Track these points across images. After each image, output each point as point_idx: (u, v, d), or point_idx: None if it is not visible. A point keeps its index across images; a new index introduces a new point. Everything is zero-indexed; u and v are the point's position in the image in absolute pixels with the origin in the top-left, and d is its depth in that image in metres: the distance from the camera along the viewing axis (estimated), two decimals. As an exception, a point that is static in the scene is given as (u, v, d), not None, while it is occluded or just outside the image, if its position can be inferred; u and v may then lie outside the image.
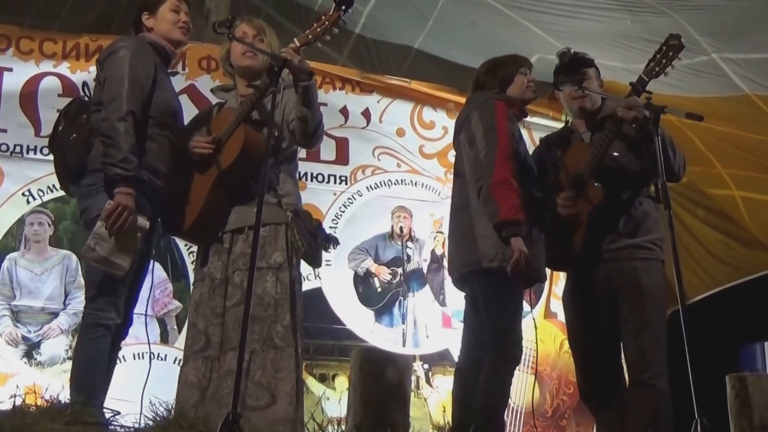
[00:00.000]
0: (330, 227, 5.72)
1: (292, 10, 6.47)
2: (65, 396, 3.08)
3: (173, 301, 5.27)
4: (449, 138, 5.81)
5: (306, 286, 4.19)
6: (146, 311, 3.43)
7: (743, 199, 5.98)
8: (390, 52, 6.39)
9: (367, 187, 5.93)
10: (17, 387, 4.15)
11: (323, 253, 3.49)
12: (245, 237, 3.28)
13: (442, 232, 5.81)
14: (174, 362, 4.97)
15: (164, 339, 5.20)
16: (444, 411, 5.24)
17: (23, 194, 5.15)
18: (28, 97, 5.27)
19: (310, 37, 3.31)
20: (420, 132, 6.17)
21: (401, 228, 5.89)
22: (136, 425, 3.03)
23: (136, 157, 3.11)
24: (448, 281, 5.57)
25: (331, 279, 5.62)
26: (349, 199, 5.87)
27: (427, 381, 5.72)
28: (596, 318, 3.62)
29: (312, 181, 5.75)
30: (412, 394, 4.80)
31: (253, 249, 2.86)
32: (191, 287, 3.82)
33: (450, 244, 3.77)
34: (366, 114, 6.05)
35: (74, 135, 3.28)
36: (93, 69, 5.03)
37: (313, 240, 3.38)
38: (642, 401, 3.44)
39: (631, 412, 3.49)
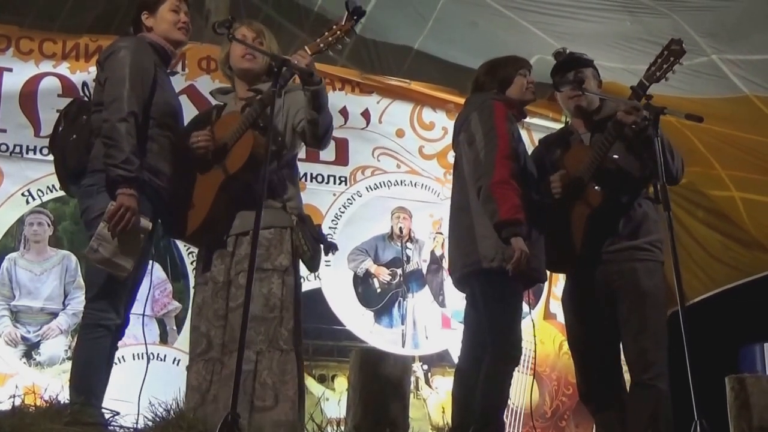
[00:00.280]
0: (330, 228, 5.72)
1: (292, 11, 6.48)
2: (64, 396, 3.07)
3: (172, 302, 5.27)
4: (449, 139, 5.80)
5: (305, 286, 4.19)
6: (144, 311, 3.41)
7: (743, 200, 5.98)
8: (390, 53, 6.39)
9: (366, 188, 5.93)
10: (16, 387, 4.14)
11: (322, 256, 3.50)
12: (250, 239, 3.27)
13: (441, 233, 5.81)
14: (173, 363, 4.97)
15: (163, 339, 5.20)
16: (443, 412, 5.24)
17: (23, 194, 5.15)
18: (28, 97, 5.27)
19: (321, 45, 3.30)
20: (420, 133, 6.17)
21: (401, 229, 5.89)
22: (136, 426, 3.03)
23: (137, 157, 3.11)
24: (447, 282, 5.58)
25: (331, 279, 5.62)
26: (348, 199, 5.87)
27: (427, 382, 5.72)
28: (596, 319, 3.62)
29: (311, 181, 5.76)
30: (412, 395, 4.81)
31: (252, 250, 2.86)
32: (191, 288, 3.82)
33: (450, 244, 3.77)
34: (366, 115, 6.06)
35: (74, 136, 3.27)
36: (93, 69, 5.03)
37: (317, 245, 3.39)
38: (642, 402, 3.44)
39: (631, 413, 3.49)
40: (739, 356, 7.56)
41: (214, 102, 3.73)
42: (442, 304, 5.85)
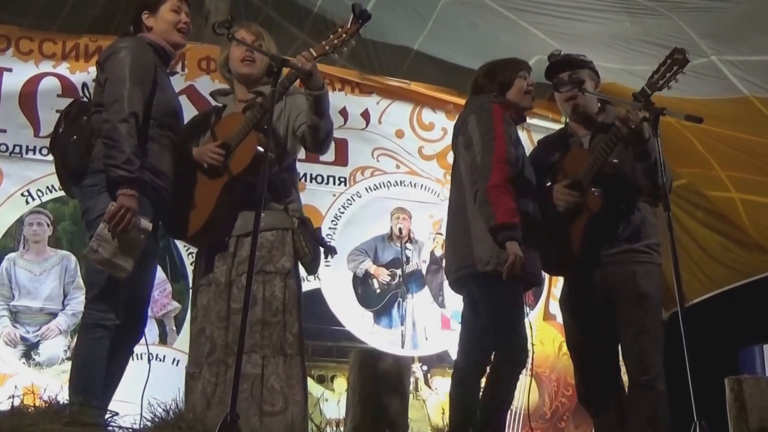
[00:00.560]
0: (329, 228, 5.72)
1: (292, 11, 6.48)
2: (64, 397, 3.08)
3: (172, 302, 5.27)
4: (448, 139, 5.80)
5: (305, 287, 4.17)
6: (146, 312, 3.41)
7: (742, 202, 5.99)
8: (389, 54, 6.40)
9: (366, 189, 5.93)
10: (16, 387, 4.14)
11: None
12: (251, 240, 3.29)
13: (441, 234, 5.81)
14: (173, 363, 4.97)
15: (163, 340, 5.20)
16: (443, 412, 5.24)
17: (22, 194, 5.16)
18: (28, 97, 5.28)
19: (327, 48, 3.30)
20: (419, 133, 6.18)
21: (400, 229, 5.89)
22: (135, 426, 3.03)
23: (138, 158, 3.11)
24: (446, 283, 5.58)
25: (330, 280, 5.62)
26: (348, 200, 5.87)
27: (426, 382, 5.72)
28: (594, 321, 3.61)
29: (311, 182, 5.76)
30: (411, 396, 4.81)
31: (252, 251, 2.86)
32: (190, 289, 3.82)
33: (447, 246, 3.77)
34: (365, 115, 6.06)
35: (75, 136, 3.27)
36: (92, 69, 5.04)
37: (317, 248, 3.40)
38: (641, 403, 3.44)
39: (630, 415, 3.49)
40: (738, 358, 7.57)
41: (213, 103, 3.73)
42: (441, 305, 5.85)
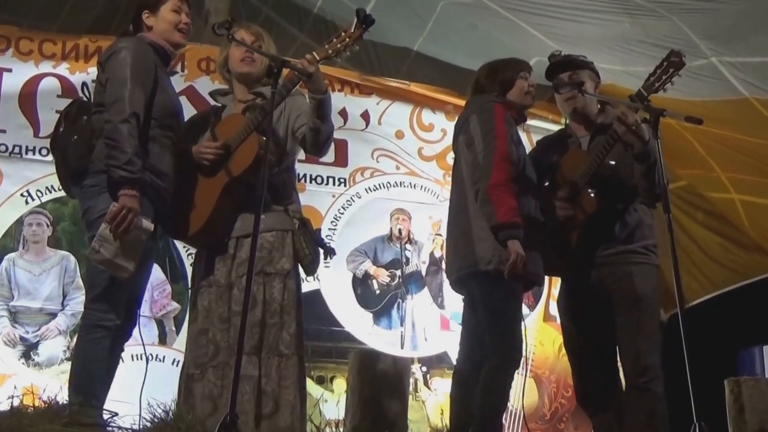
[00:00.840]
0: (329, 229, 5.73)
1: (291, 12, 6.49)
2: (63, 397, 3.08)
3: (171, 303, 5.27)
4: (448, 140, 5.81)
5: (304, 288, 4.17)
6: (138, 312, 3.41)
7: (742, 203, 5.99)
8: (389, 55, 6.40)
9: (365, 189, 5.94)
10: (15, 388, 4.14)
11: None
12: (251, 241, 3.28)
13: (440, 235, 5.81)
14: (172, 363, 4.97)
15: (162, 340, 5.20)
16: (442, 413, 5.23)
17: (22, 195, 5.15)
18: (28, 97, 5.28)
19: (330, 51, 3.30)
20: (419, 134, 6.18)
21: (400, 230, 5.89)
22: (134, 426, 3.03)
23: (140, 158, 3.11)
24: (446, 284, 5.56)
25: (330, 281, 5.62)
26: (347, 201, 5.87)
27: (425, 383, 5.72)
28: (592, 322, 3.62)
29: (311, 182, 5.76)
30: (410, 397, 4.81)
31: (252, 252, 2.86)
32: (190, 290, 3.81)
33: (447, 246, 3.77)
34: (365, 116, 6.06)
35: (75, 136, 3.26)
36: (92, 70, 5.04)
37: (317, 249, 3.40)
38: (639, 404, 3.45)
39: (628, 416, 3.49)
40: (738, 359, 7.56)
41: (213, 103, 3.73)
42: (441, 306, 5.85)
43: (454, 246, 3.65)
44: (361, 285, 5.78)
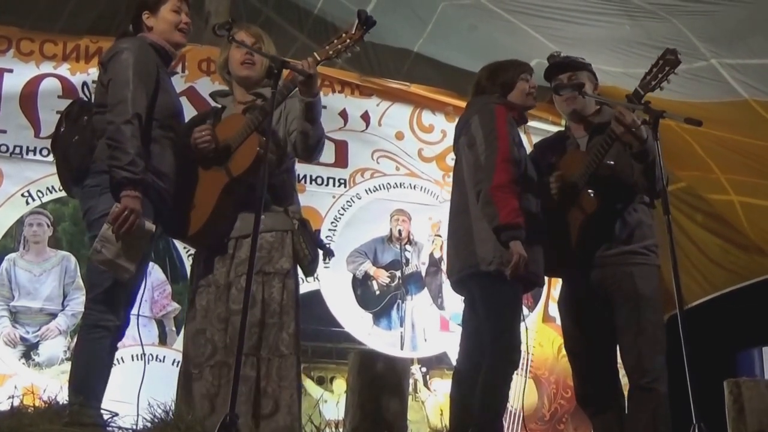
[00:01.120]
0: (329, 230, 5.73)
1: (292, 13, 6.50)
2: (63, 397, 3.08)
3: (172, 303, 5.28)
4: (448, 141, 5.82)
5: (305, 288, 4.19)
6: (138, 312, 3.42)
7: (742, 204, 6.00)
8: (389, 56, 6.40)
9: (366, 190, 5.94)
10: (15, 388, 4.14)
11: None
12: (250, 241, 3.28)
13: (440, 236, 5.81)
14: (172, 364, 4.97)
15: (162, 340, 5.21)
16: (441, 414, 5.24)
17: (22, 195, 5.16)
18: (28, 98, 5.28)
19: (331, 53, 3.30)
20: (419, 135, 6.18)
21: (400, 231, 5.90)
22: (134, 427, 3.03)
23: (142, 159, 3.11)
24: (446, 284, 5.59)
25: (330, 281, 5.63)
26: (348, 201, 5.87)
27: (425, 384, 5.72)
28: (592, 323, 3.62)
29: (311, 183, 5.77)
30: (410, 397, 4.81)
31: (252, 253, 2.86)
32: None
33: (449, 247, 3.78)
34: (365, 117, 6.07)
35: (76, 137, 3.26)
36: (93, 71, 5.05)
37: (316, 250, 3.40)
38: (642, 405, 3.45)
39: (630, 417, 3.50)
40: (737, 360, 7.58)
41: (213, 104, 3.73)
42: (440, 307, 5.85)
43: (455, 247, 3.66)
44: (361, 286, 5.79)
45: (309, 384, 5.40)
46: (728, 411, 4.42)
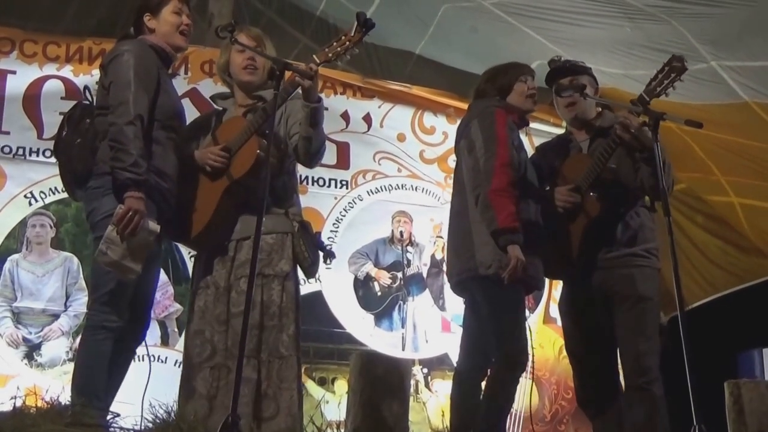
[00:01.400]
0: (331, 231, 5.75)
1: (294, 15, 6.51)
2: (65, 398, 3.09)
3: (174, 304, 5.29)
4: (449, 143, 5.84)
5: (306, 289, 4.19)
6: (150, 314, 3.43)
7: (742, 206, 6.00)
8: (391, 58, 6.42)
9: (367, 192, 5.95)
10: (18, 388, 4.16)
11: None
12: (251, 243, 3.25)
13: (441, 237, 5.82)
14: (174, 365, 4.98)
15: (165, 341, 5.22)
16: (443, 415, 5.25)
17: (25, 196, 5.17)
18: (31, 99, 5.30)
19: (330, 55, 3.30)
20: (420, 137, 6.19)
21: (401, 232, 5.91)
22: (136, 427, 3.04)
23: (145, 160, 3.13)
24: (447, 286, 5.59)
25: (332, 283, 5.63)
26: (349, 203, 5.88)
27: (426, 385, 5.73)
28: (593, 325, 3.64)
29: (313, 185, 5.78)
30: (411, 398, 4.82)
31: (253, 255, 2.87)
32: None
33: (449, 249, 3.79)
34: (367, 119, 6.08)
35: (79, 140, 3.28)
36: (96, 72, 5.06)
37: (317, 252, 3.41)
38: (639, 406, 3.46)
39: (627, 417, 3.51)
40: (737, 362, 7.57)
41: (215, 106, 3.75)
42: (442, 308, 5.86)
43: (455, 249, 3.67)
44: (362, 287, 5.80)
45: (310, 385, 5.41)
46: (728, 412, 4.43)
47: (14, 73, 5.33)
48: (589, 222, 3.60)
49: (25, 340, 4.99)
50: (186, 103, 4.65)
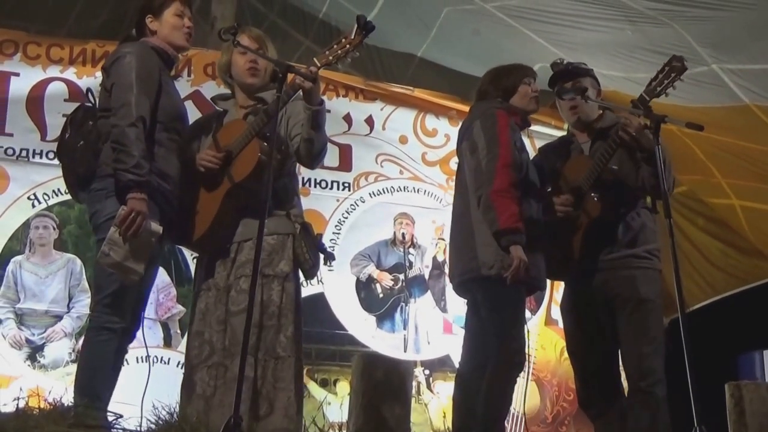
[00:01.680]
0: (333, 233, 5.75)
1: (297, 18, 6.52)
2: (68, 399, 3.10)
3: (176, 305, 5.30)
4: (451, 145, 5.84)
5: (308, 291, 4.19)
6: (143, 315, 3.44)
7: (743, 208, 6.00)
8: (393, 60, 6.43)
9: (369, 194, 5.96)
10: (21, 389, 4.18)
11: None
12: (252, 245, 3.27)
13: (443, 239, 5.83)
14: (177, 366, 4.99)
15: (167, 343, 5.23)
16: (444, 416, 5.25)
17: (29, 198, 5.19)
18: (35, 101, 5.30)
19: (330, 58, 3.30)
20: (422, 139, 6.20)
21: (403, 234, 5.92)
22: (139, 429, 3.05)
23: (147, 162, 3.14)
24: (449, 287, 5.59)
25: (334, 284, 5.65)
26: (351, 205, 5.89)
27: (428, 386, 5.74)
28: (594, 326, 3.64)
29: (315, 187, 5.79)
30: (413, 400, 4.82)
31: (256, 256, 2.88)
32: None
33: (451, 250, 3.79)
34: (369, 121, 6.09)
35: (81, 142, 3.29)
36: (99, 75, 5.06)
37: (317, 254, 3.42)
38: (641, 408, 3.47)
39: (630, 420, 3.51)
40: (738, 363, 7.58)
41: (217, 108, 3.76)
42: (443, 310, 5.87)
43: (457, 251, 3.68)
44: (364, 288, 5.81)
45: (312, 386, 5.42)
46: (729, 414, 4.43)
47: (18, 75, 5.34)
48: (590, 223, 3.61)
49: (28, 341, 5.01)
50: (189, 105, 4.65)
